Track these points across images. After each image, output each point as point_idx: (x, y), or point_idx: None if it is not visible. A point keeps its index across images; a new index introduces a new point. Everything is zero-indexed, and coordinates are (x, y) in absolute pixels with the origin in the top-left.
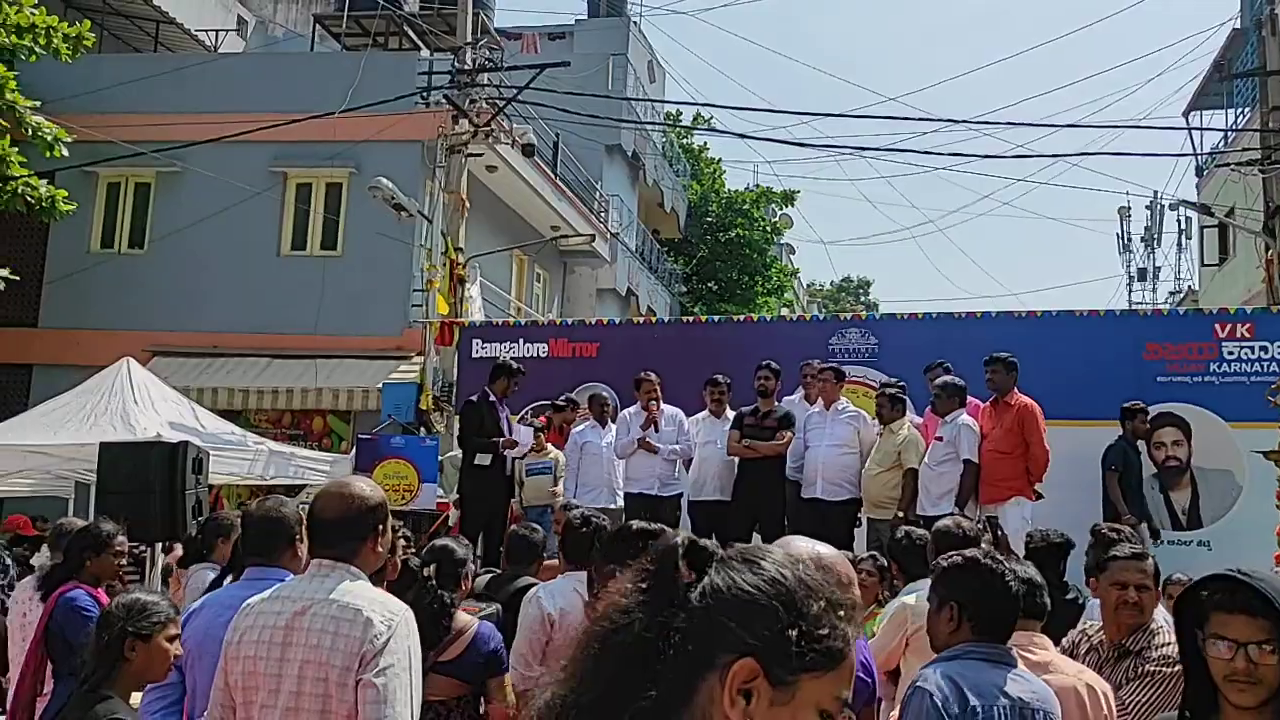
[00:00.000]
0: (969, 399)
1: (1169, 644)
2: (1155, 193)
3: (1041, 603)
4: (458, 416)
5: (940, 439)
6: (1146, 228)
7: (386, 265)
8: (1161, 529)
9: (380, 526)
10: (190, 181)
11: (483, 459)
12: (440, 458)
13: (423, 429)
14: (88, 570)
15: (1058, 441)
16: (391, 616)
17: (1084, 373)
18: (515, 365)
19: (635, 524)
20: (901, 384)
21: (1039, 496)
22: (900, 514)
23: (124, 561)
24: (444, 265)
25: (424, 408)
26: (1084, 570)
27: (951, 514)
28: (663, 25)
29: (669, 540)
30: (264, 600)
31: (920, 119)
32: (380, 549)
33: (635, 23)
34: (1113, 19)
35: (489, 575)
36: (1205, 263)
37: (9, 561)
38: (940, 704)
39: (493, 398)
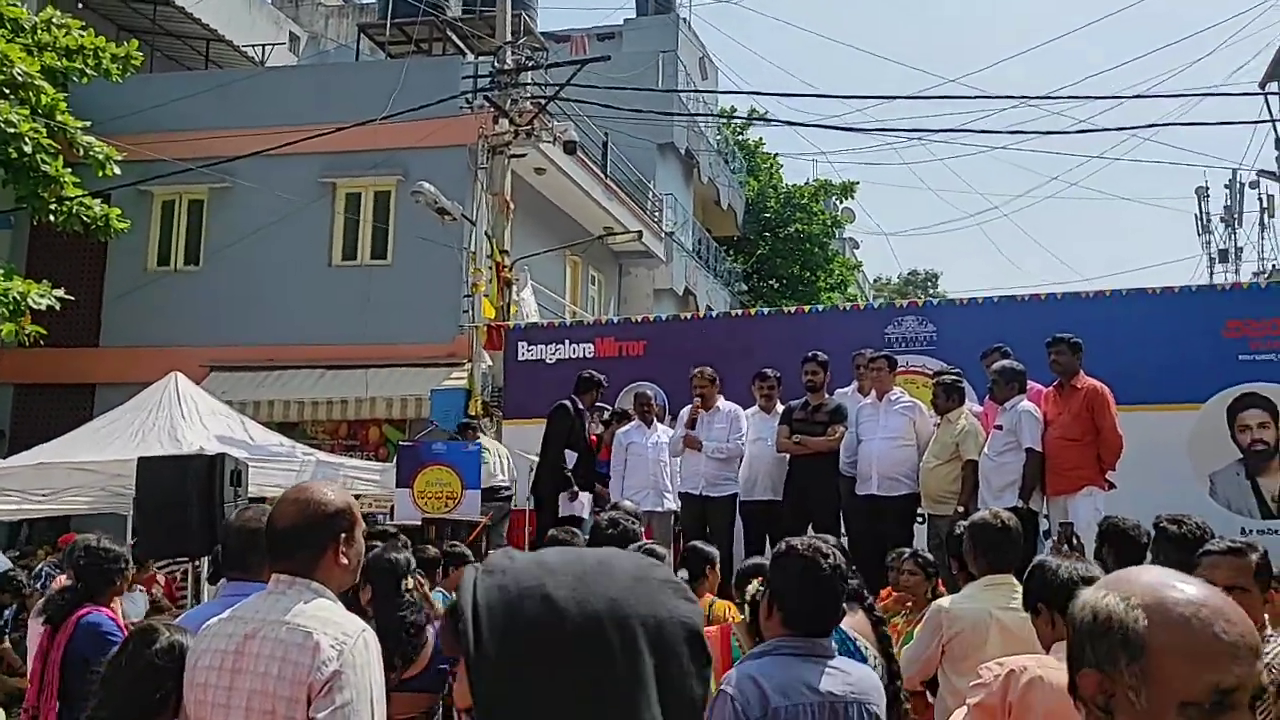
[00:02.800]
0: (1031, 384)
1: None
2: (1234, 171)
3: None
4: (548, 418)
5: (1000, 428)
6: (1226, 207)
7: (437, 272)
8: (1250, 517)
9: (344, 535)
10: (241, 196)
11: (570, 459)
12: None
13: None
14: (108, 592)
15: (1131, 428)
16: (344, 640)
17: (1159, 354)
18: (600, 377)
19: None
20: (958, 371)
21: (1111, 486)
22: (961, 509)
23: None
24: (489, 268)
25: (473, 413)
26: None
27: (1016, 506)
28: (715, 22)
29: None
30: (220, 621)
31: (978, 96)
32: (345, 560)
33: (685, 19)
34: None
35: None
36: None
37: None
38: (740, 708)
39: (580, 406)
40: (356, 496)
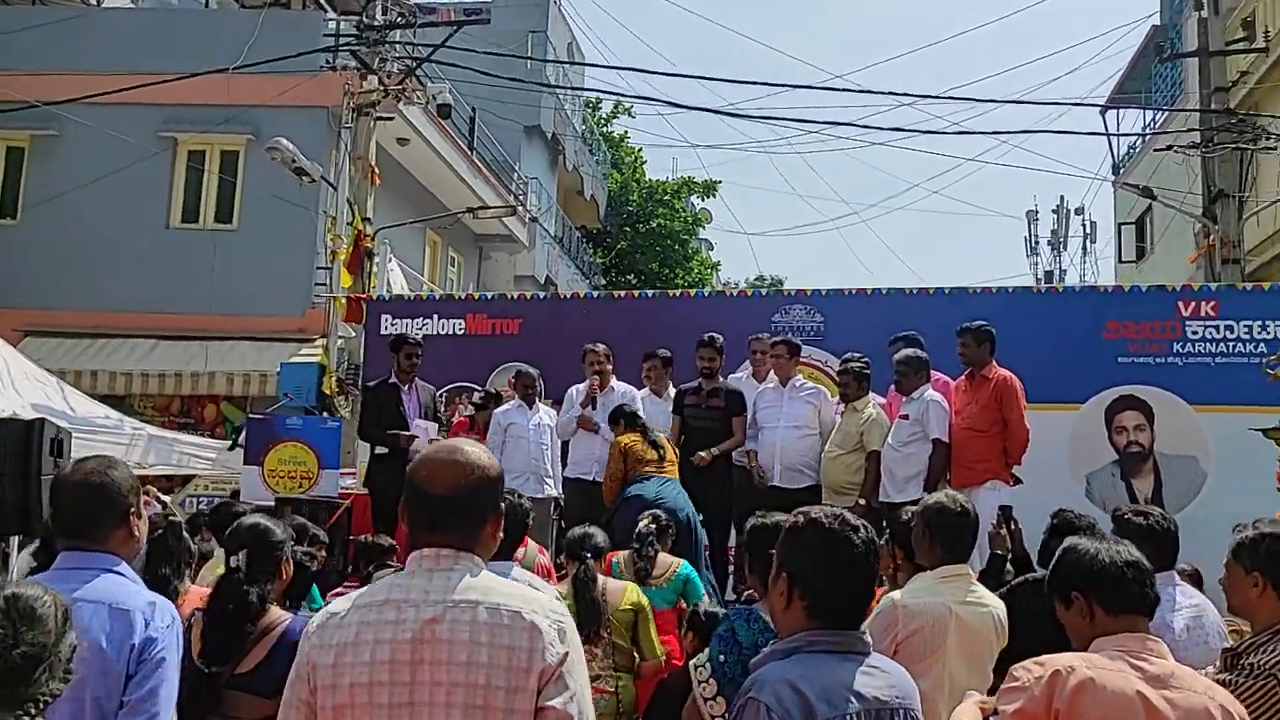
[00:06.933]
0: (935, 375)
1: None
2: (1061, 198)
3: (1153, 594)
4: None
5: (906, 417)
6: (1054, 231)
7: (288, 241)
8: None
9: (496, 508)
10: (69, 146)
11: (381, 450)
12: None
13: (325, 414)
14: None
15: None
16: (561, 618)
17: (1042, 353)
18: (406, 338)
19: None
20: (866, 359)
21: (1017, 481)
22: (862, 500)
23: None
24: (349, 236)
25: (327, 391)
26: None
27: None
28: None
29: None
30: (372, 607)
31: (851, 90)
32: (502, 534)
33: (555, 1)
34: (1033, 9)
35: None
36: (1122, 259)
37: None
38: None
39: (393, 379)
40: (190, 477)
